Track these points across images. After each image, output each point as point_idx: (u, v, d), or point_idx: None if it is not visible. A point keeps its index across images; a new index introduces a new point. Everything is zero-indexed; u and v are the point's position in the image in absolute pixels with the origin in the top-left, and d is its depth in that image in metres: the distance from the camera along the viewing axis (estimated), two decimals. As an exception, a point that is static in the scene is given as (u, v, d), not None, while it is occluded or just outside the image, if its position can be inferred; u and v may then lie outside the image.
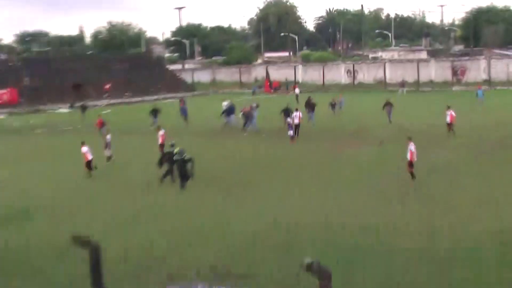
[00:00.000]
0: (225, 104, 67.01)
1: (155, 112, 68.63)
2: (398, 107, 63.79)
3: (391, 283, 21.26)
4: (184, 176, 36.73)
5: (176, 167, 37.38)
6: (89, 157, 42.94)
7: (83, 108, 74.88)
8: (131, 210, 32.82)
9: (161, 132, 48.74)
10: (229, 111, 64.68)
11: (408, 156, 36.25)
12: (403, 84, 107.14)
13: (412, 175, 36.19)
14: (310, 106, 66.12)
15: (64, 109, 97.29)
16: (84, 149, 42.80)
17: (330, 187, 36.21)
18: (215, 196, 35.36)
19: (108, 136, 47.17)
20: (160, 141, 48.15)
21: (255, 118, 61.78)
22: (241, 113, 63.31)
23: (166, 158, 38.73)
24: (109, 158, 46.71)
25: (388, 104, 60.06)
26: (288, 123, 55.79)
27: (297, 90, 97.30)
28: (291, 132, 53.70)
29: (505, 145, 48.67)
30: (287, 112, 59.59)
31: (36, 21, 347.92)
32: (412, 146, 36.14)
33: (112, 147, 46.59)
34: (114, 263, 21.52)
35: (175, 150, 37.24)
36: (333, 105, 72.80)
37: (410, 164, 36.22)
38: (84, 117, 69.36)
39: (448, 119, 53.41)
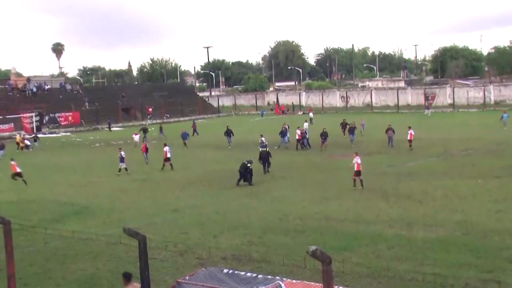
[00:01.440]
0: (285, 127, 64.10)
1: (144, 131, 71.96)
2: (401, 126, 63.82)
3: (377, 261, 21.23)
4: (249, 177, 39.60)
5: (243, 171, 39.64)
6: (168, 154, 47.41)
7: (145, 130, 73.65)
8: (172, 206, 33.01)
9: (166, 148, 48.23)
10: (284, 133, 61.63)
11: (355, 167, 36.05)
12: (428, 106, 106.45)
13: (361, 182, 35.92)
14: (346, 127, 63.80)
15: (116, 128, 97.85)
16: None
17: (331, 188, 36.21)
18: (242, 195, 35.76)
19: (122, 152, 46.67)
20: (165, 155, 47.85)
21: (287, 136, 60.71)
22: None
23: (242, 167, 39.89)
24: (125, 169, 46.21)
25: (389, 129, 57.40)
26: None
27: (311, 114, 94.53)
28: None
29: (468, 154, 48.72)
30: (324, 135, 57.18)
31: (94, 57, 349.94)
32: (358, 159, 36.04)
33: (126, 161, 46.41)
34: (157, 249, 21.51)
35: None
36: (351, 129, 62.49)
37: (358, 173, 35.96)
38: (146, 138, 68.92)
39: (408, 137, 53.49)
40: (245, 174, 39.64)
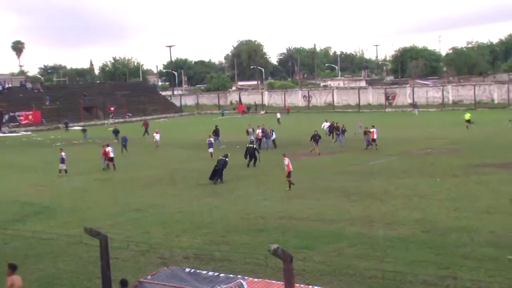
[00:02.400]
0: (325, 124, 64.06)
1: (116, 132, 69.61)
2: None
3: (338, 259, 21.38)
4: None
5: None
6: (111, 154, 47.00)
7: (116, 132, 70.10)
8: (134, 206, 32.86)
9: (108, 148, 47.69)
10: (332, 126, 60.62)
11: (286, 168, 36.11)
12: (415, 105, 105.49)
13: (290, 183, 35.90)
14: (336, 129, 59.68)
15: (77, 127, 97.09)
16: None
17: (292, 187, 36.32)
18: (204, 194, 35.68)
19: (63, 153, 45.70)
20: (108, 154, 47.21)
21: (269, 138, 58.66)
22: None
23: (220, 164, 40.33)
24: (65, 171, 45.28)
25: (367, 133, 55.59)
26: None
27: (278, 115, 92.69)
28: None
29: (427, 153, 49.22)
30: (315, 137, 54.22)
31: (55, 56, 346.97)
32: (286, 161, 36.12)
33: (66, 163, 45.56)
34: (119, 249, 21.44)
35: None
36: (336, 128, 60.22)
37: (288, 174, 35.94)
38: (118, 139, 65.52)
39: (371, 136, 53.47)
40: (222, 169, 39.92)
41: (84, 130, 71.85)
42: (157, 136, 63.31)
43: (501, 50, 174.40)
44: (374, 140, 53.51)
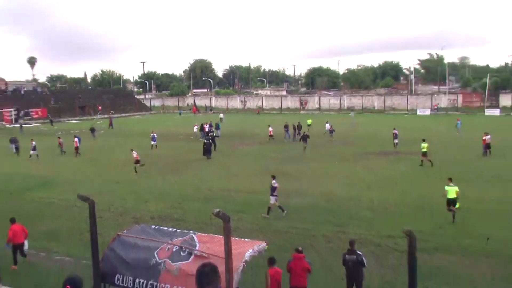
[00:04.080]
0: (328, 126, 59.06)
1: (92, 130, 62.06)
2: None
3: (263, 220, 21.53)
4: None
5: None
6: (77, 143, 44.82)
7: (92, 130, 62.56)
8: (114, 180, 32.46)
9: (75, 139, 45.68)
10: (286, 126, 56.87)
11: (135, 158, 35.67)
12: (351, 109, 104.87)
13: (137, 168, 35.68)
14: (297, 128, 56.40)
15: (74, 121, 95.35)
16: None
17: (232, 168, 36.39)
18: (166, 172, 35.26)
19: (34, 142, 44.19)
20: (75, 144, 45.23)
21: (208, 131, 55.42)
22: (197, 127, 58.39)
23: (207, 145, 42.13)
24: (36, 155, 43.50)
25: (289, 126, 55.87)
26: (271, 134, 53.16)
27: (221, 115, 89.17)
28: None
29: (329, 144, 49.76)
30: (286, 127, 54.77)
31: (58, 68, 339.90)
32: (134, 154, 35.98)
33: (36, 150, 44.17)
34: (103, 211, 21.22)
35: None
36: (288, 126, 56.72)
37: (137, 161, 36.21)
38: (95, 137, 60.13)
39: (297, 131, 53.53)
40: (210, 147, 41.73)
41: (92, 130, 62.14)
42: (195, 129, 58.61)
43: (380, 72, 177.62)
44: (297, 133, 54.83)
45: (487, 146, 40.14)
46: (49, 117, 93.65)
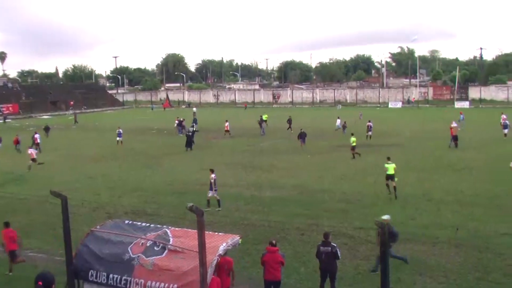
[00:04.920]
0: (338, 122, 56.58)
1: (46, 129, 56.54)
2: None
3: (237, 213, 21.59)
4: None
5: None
6: (38, 140, 43.28)
7: (47, 129, 56.84)
8: (88, 175, 32.12)
9: (36, 135, 44.82)
10: (261, 120, 56.20)
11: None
12: (338, 102, 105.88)
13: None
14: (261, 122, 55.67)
15: (46, 116, 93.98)
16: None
17: (205, 161, 36.33)
18: (139, 166, 35.04)
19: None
20: (35, 141, 44.21)
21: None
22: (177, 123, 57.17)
23: (188, 137, 42.98)
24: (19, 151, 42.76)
25: (262, 120, 55.55)
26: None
27: (194, 109, 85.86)
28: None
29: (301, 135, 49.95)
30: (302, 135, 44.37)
31: (29, 63, 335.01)
32: (29, 151, 35.75)
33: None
34: (76, 207, 21.03)
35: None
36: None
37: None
38: (47, 136, 54.81)
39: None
40: (192, 140, 42.29)
41: (47, 129, 56.58)
42: (227, 124, 54.52)
43: (351, 65, 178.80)
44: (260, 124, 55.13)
45: (455, 138, 40.71)
46: (2, 113, 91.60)
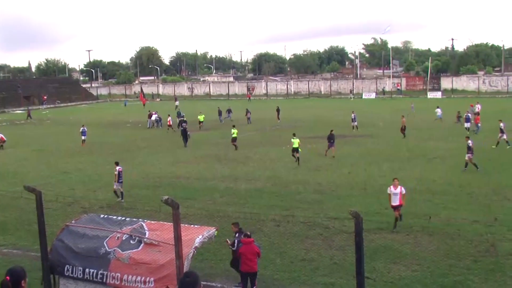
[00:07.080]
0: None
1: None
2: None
3: (212, 206, 21.63)
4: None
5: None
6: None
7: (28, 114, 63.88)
8: (62, 170, 31.80)
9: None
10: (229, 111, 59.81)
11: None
12: (351, 91, 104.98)
13: None
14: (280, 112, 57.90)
15: (18, 111, 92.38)
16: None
17: (180, 155, 36.26)
18: (114, 161, 34.72)
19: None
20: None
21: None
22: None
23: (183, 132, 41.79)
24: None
25: (248, 112, 57.44)
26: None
27: (177, 102, 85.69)
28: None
29: (276, 129, 50.05)
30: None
31: (1, 57, 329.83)
32: None
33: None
34: (51, 202, 20.87)
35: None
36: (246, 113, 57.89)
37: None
38: (30, 118, 60.48)
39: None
40: (185, 133, 41.23)
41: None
42: (249, 115, 57.33)
43: (325, 57, 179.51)
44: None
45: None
46: None
